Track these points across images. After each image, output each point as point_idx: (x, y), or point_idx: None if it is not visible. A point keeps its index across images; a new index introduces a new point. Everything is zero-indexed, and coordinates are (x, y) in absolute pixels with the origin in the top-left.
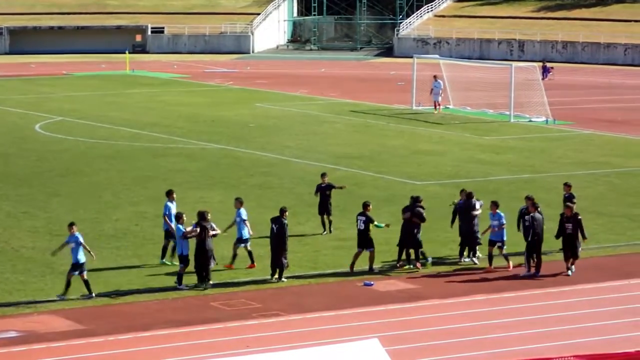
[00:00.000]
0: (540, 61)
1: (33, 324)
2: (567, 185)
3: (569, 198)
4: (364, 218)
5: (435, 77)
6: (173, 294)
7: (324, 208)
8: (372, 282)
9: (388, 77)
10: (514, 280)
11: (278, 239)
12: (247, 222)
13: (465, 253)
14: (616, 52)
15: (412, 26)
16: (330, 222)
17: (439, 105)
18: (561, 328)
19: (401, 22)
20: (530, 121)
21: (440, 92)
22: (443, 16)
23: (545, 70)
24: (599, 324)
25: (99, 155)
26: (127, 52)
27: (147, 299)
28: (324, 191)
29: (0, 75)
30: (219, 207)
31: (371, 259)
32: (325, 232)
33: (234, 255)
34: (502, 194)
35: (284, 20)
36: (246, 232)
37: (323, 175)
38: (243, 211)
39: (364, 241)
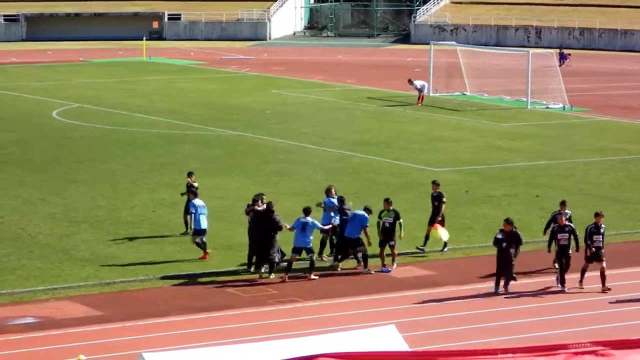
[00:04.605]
0: (557, 48)
1: (50, 310)
2: (435, 184)
3: (437, 197)
4: (392, 214)
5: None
6: (191, 279)
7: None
8: (389, 269)
9: (405, 63)
10: (530, 267)
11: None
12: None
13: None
14: (633, 39)
15: (429, 13)
16: (187, 222)
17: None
18: (578, 314)
19: (418, 9)
20: (548, 108)
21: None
22: (460, 3)
23: (562, 57)
24: (616, 310)
25: (116, 142)
26: (144, 38)
27: (163, 285)
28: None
29: (17, 62)
30: (236, 194)
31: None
32: (189, 232)
33: (199, 245)
34: (518, 181)
35: (301, 7)
36: (203, 224)
37: (190, 174)
38: (198, 201)
39: (390, 237)
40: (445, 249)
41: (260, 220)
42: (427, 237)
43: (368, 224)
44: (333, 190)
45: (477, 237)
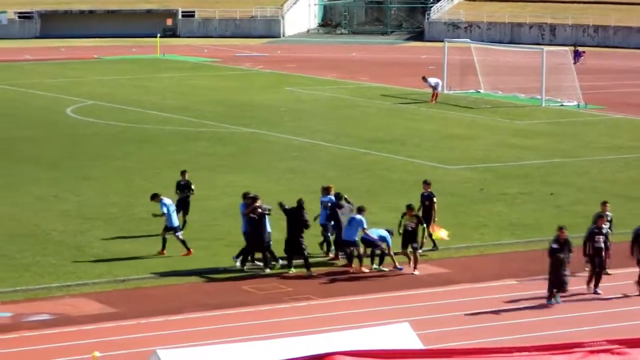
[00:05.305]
0: (571, 45)
1: (64, 306)
2: (426, 183)
3: (428, 197)
4: (415, 220)
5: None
6: (206, 277)
7: (183, 205)
8: (401, 267)
9: (419, 61)
10: (544, 265)
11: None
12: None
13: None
14: None
15: (443, 10)
16: (185, 221)
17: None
18: (592, 313)
19: (432, 6)
20: (562, 105)
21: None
22: (474, 0)
23: (576, 55)
24: (630, 308)
25: (129, 139)
26: (157, 36)
27: (178, 282)
28: (183, 189)
29: (32, 59)
30: (248, 190)
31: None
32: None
33: (163, 240)
34: (533, 178)
35: (315, 4)
36: (176, 221)
37: (183, 172)
38: (168, 200)
39: (413, 239)
40: (421, 250)
41: (259, 221)
42: (430, 236)
43: (391, 245)
44: (332, 190)
45: (491, 234)
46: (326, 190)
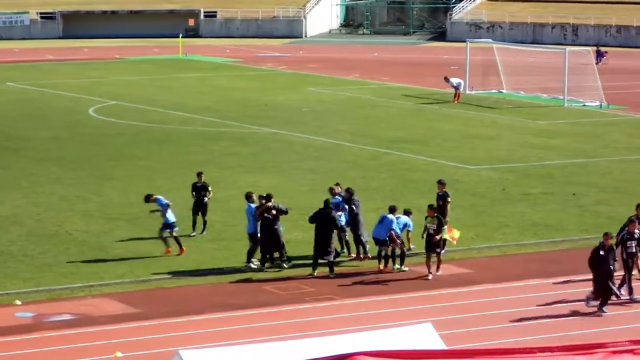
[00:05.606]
0: (594, 45)
1: (86, 307)
2: (440, 183)
3: (442, 197)
4: (436, 221)
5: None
6: (228, 277)
7: (200, 207)
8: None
9: (441, 61)
10: (566, 266)
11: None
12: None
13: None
14: None
15: (465, 10)
16: (205, 222)
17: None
18: (615, 313)
19: (454, 6)
20: (584, 106)
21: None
22: (496, 0)
23: (599, 55)
24: None
25: (151, 139)
26: (180, 36)
27: (200, 282)
28: (200, 191)
29: (54, 59)
30: (270, 191)
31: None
32: (194, 234)
33: (164, 240)
34: (555, 179)
35: (337, 5)
36: (172, 217)
37: (199, 174)
38: (162, 198)
39: (437, 243)
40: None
41: (273, 220)
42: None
43: (412, 229)
44: (337, 189)
45: (513, 235)
46: (332, 191)
